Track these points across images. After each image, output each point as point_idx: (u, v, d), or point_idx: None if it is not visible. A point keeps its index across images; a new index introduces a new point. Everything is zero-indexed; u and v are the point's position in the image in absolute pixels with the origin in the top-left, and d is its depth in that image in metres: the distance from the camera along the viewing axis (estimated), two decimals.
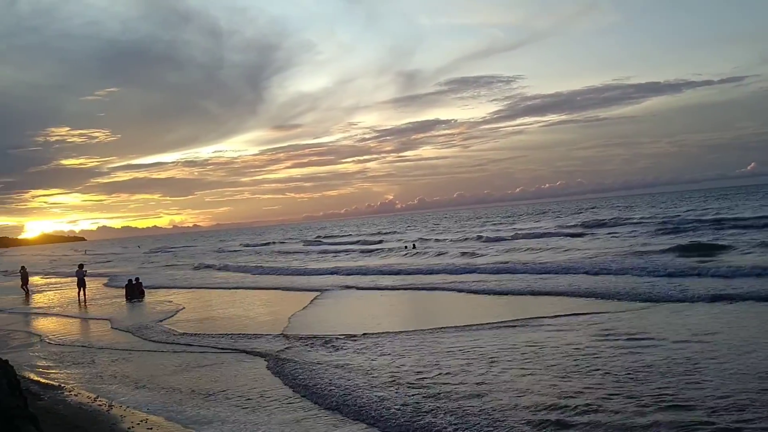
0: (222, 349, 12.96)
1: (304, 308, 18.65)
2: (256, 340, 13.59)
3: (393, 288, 22.51)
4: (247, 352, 12.34)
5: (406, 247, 41.34)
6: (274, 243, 78.11)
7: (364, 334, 13.19)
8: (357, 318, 16.53)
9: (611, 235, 38.31)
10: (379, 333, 13.24)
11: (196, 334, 15.20)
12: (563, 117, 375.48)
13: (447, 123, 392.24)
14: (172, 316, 19.12)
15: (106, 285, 34.35)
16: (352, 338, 12.83)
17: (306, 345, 12.48)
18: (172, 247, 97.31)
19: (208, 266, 43.20)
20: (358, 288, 23.34)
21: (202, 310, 20.33)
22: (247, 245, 77.58)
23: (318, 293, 22.22)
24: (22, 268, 32.40)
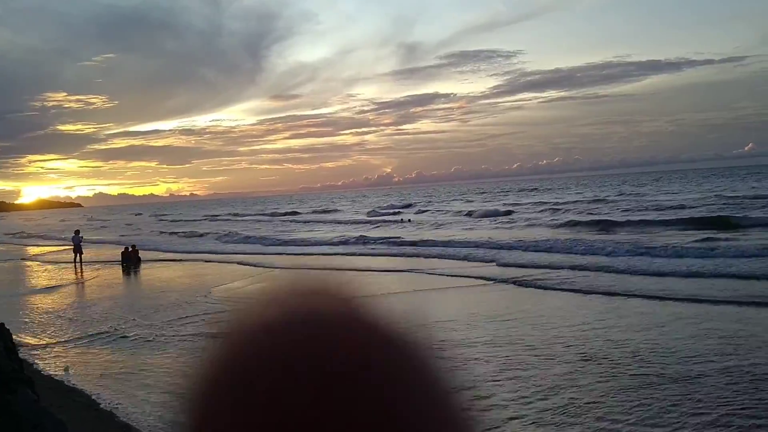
0: None
1: None
2: None
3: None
4: None
5: (401, 220, 42.07)
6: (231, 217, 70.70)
7: None
8: None
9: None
10: None
11: None
12: (562, 93, 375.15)
13: (446, 97, 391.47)
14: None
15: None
16: None
17: None
18: (105, 219, 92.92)
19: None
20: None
21: None
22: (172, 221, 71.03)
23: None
24: None
